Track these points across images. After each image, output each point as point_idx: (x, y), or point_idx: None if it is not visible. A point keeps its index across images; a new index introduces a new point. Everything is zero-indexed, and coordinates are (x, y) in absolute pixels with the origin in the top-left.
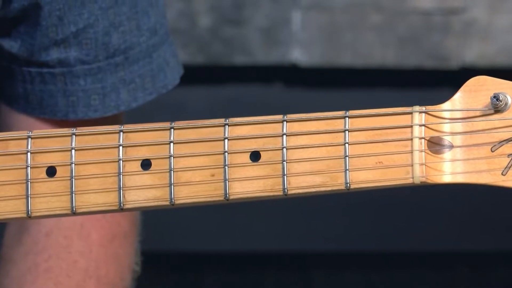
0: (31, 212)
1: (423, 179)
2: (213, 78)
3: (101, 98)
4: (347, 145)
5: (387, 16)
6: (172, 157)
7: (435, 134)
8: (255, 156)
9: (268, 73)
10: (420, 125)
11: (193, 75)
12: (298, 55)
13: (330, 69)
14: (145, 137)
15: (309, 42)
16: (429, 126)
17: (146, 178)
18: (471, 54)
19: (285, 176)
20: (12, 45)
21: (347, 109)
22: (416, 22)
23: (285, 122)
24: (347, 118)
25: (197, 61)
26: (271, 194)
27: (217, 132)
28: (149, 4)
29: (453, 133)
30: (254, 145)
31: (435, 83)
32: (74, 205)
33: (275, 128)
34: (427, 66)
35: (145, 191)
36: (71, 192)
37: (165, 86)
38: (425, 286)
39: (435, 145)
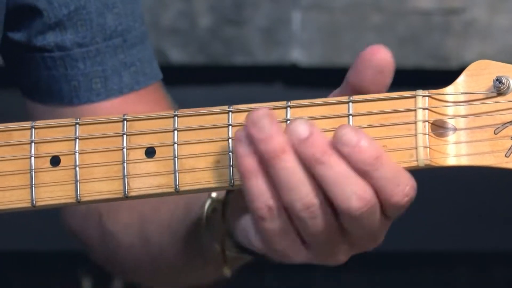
0: (35, 202)
1: (428, 162)
2: (213, 78)
3: (103, 82)
4: None
5: (387, 16)
6: (176, 145)
7: (439, 117)
8: None
9: (268, 73)
10: (424, 109)
11: (193, 75)
12: (298, 55)
13: (330, 69)
14: (149, 125)
15: (309, 42)
16: (433, 109)
17: (150, 165)
18: (471, 54)
19: None
20: (15, 34)
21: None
22: (416, 22)
23: (288, 108)
24: (350, 103)
25: (197, 61)
26: None
27: (221, 119)
28: None
29: (456, 116)
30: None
31: (435, 83)
32: (78, 193)
33: (279, 114)
34: (427, 66)
35: (149, 179)
36: (76, 181)
37: (158, 74)
38: (425, 286)
39: (439, 128)
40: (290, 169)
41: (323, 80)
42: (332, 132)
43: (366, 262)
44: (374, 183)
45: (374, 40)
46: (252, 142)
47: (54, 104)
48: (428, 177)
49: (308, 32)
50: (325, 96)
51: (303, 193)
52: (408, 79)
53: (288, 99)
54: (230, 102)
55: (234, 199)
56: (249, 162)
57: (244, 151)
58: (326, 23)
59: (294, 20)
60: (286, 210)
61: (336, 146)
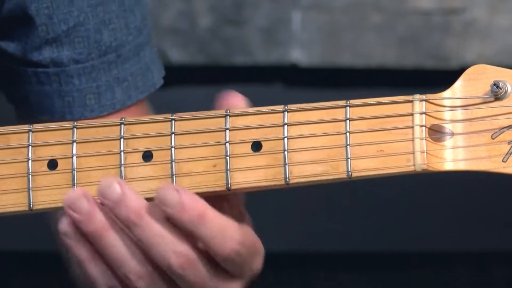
0: (33, 205)
1: (425, 167)
2: (213, 78)
3: (97, 98)
4: (348, 134)
5: (387, 16)
6: (173, 148)
7: (436, 122)
8: (256, 146)
9: (268, 73)
10: (421, 113)
11: (193, 75)
12: (298, 55)
13: (330, 69)
14: (146, 129)
15: (309, 42)
16: (430, 114)
17: (148, 169)
18: (471, 54)
19: (287, 166)
20: (8, 45)
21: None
22: (416, 22)
23: (286, 112)
24: (348, 107)
25: (197, 61)
26: (273, 183)
27: (218, 123)
28: (135, 3)
29: (453, 121)
30: (255, 135)
31: (435, 83)
32: None
33: (276, 118)
34: (427, 66)
35: (147, 183)
36: (73, 185)
37: (153, 85)
38: (425, 286)
39: (436, 132)
40: (116, 245)
41: (323, 80)
42: (328, 137)
43: (366, 262)
44: (198, 239)
45: (374, 40)
46: (76, 229)
47: (43, 118)
48: (428, 177)
49: (308, 32)
50: (325, 96)
51: (132, 264)
52: (408, 79)
53: (288, 99)
54: None
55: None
56: (82, 252)
57: (71, 242)
58: (326, 23)
59: (294, 20)
60: (126, 284)
61: (160, 207)
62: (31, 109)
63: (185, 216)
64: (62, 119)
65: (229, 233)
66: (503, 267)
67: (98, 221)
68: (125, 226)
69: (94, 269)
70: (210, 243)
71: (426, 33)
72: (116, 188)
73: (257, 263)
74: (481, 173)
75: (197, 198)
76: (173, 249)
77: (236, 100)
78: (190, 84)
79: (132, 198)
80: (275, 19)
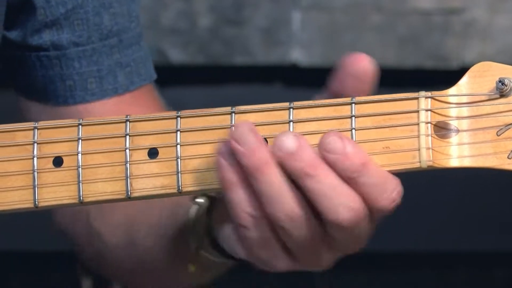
0: (38, 202)
1: (430, 163)
2: (213, 78)
3: (98, 81)
4: (353, 130)
5: (387, 16)
6: (179, 145)
7: (442, 118)
8: None
9: (268, 73)
10: (427, 110)
11: (193, 75)
12: (298, 55)
13: (330, 69)
14: (152, 126)
15: (309, 42)
16: (435, 111)
17: (153, 166)
18: (471, 54)
19: None
20: (10, 32)
21: None
22: (416, 22)
23: (291, 109)
24: (353, 104)
25: (197, 61)
26: None
27: (224, 120)
28: None
29: (459, 118)
30: (261, 132)
31: (435, 83)
32: (81, 194)
33: (282, 115)
34: (427, 66)
35: (152, 180)
36: (78, 182)
37: (152, 75)
38: (425, 286)
39: (441, 129)
40: (274, 183)
41: (323, 80)
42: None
43: (366, 262)
44: (360, 189)
45: (374, 40)
46: (234, 155)
47: (50, 103)
48: (428, 177)
49: (308, 32)
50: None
51: (286, 205)
52: (408, 79)
53: (288, 99)
54: (230, 102)
55: (219, 205)
56: (231, 175)
57: (225, 163)
58: (326, 23)
59: (294, 20)
60: (269, 220)
61: (322, 153)
62: (38, 96)
63: (350, 162)
64: (65, 104)
65: (389, 184)
66: (503, 267)
67: (260, 157)
68: (296, 176)
69: (239, 194)
70: (371, 193)
71: (426, 33)
72: (291, 139)
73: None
74: (485, 170)
75: (360, 147)
76: (345, 202)
77: (364, 63)
78: (190, 84)
79: (307, 148)
80: (275, 19)
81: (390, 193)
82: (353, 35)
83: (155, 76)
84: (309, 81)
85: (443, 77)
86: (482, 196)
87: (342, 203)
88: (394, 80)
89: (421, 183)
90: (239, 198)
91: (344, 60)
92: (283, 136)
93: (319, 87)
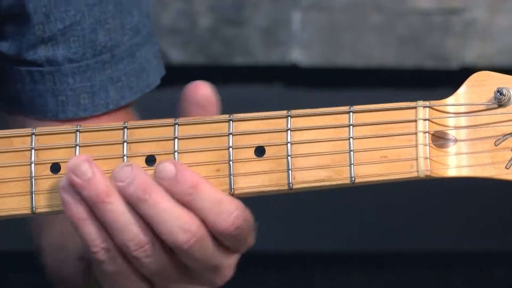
0: (35, 209)
1: (428, 173)
2: (213, 78)
3: (90, 97)
4: (351, 139)
5: (387, 16)
6: (176, 153)
7: (440, 128)
8: (259, 151)
9: (268, 73)
10: (425, 120)
11: (193, 75)
12: (298, 55)
13: (330, 69)
14: (150, 133)
15: (309, 42)
16: (434, 120)
17: (150, 173)
18: (471, 54)
19: (290, 171)
20: (2, 44)
21: None
22: (416, 22)
23: (289, 118)
24: (351, 113)
25: (197, 61)
26: (276, 188)
27: (222, 128)
28: (133, 4)
29: (457, 127)
30: (258, 141)
31: (435, 83)
32: None
33: (280, 124)
34: (427, 66)
35: None
36: None
37: (148, 85)
38: (425, 286)
39: (439, 139)
40: (117, 211)
41: (323, 80)
42: (331, 142)
43: (366, 262)
44: (197, 213)
45: (374, 40)
46: (76, 189)
47: (35, 116)
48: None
49: (308, 32)
50: (325, 96)
51: (133, 233)
52: (408, 79)
53: (288, 99)
54: (231, 103)
55: None
56: (77, 210)
57: (69, 199)
58: (326, 23)
59: (294, 20)
60: (121, 251)
61: (156, 180)
62: (22, 108)
63: (179, 187)
64: (55, 118)
65: (225, 206)
66: (503, 267)
67: (101, 186)
68: (132, 203)
69: (90, 229)
70: (207, 216)
71: (426, 33)
72: (126, 168)
73: (252, 236)
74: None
75: (192, 171)
76: (181, 226)
77: (204, 91)
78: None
79: (139, 175)
80: (275, 19)
81: (226, 216)
82: (353, 35)
83: (153, 84)
84: (309, 81)
85: (443, 77)
86: (482, 197)
87: (178, 226)
88: (394, 80)
89: (421, 183)
90: (89, 232)
91: (185, 89)
92: (119, 166)
93: (319, 87)
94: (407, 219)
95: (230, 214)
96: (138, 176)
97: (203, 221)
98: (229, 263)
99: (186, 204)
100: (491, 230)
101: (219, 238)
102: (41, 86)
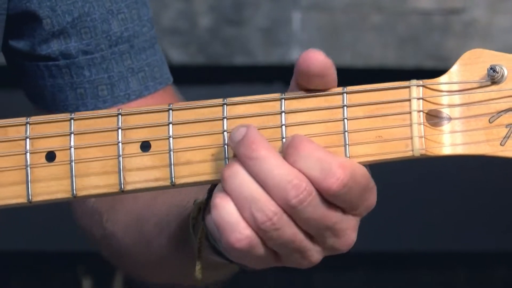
0: (31, 197)
1: (423, 152)
2: (213, 78)
3: (109, 88)
4: (346, 120)
5: (387, 16)
6: (171, 138)
7: (434, 107)
8: None
9: (268, 73)
10: (418, 99)
11: (193, 75)
12: (298, 55)
13: None
14: (144, 120)
15: (309, 42)
16: (427, 99)
17: (146, 159)
18: None
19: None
20: (18, 42)
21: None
22: (416, 22)
23: (283, 100)
24: (345, 94)
25: (197, 61)
26: None
27: (216, 112)
28: None
29: (451, 106)
30: (253, 124)
31: None
32: (74, 188)
33: (274, 106)
34: (427, 66)
35: (145, 172)
36: (71, 176)
37: (169, 78)
38: (425, 286)
39: (433, 117)
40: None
41: None
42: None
43: (366, 262)
44: (302, 171)
45: (374, 40)
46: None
47: (59, 112)
48: (428, 177)
49: (308, 32)
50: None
51: (260, 203)
52: (408, 79)
53: None
54: None
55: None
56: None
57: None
58: (326, 23)
59: (294, 20)
60: (250, 225)
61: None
62: (47, 104)
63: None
64: (76, 111)
65: (327, 164)
66: (503, 267)
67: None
68: (243, 162)
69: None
70: (310, 176)
71: (426, 33)
72: (240, 128)
73: (371, 198)
74: (484, 168)
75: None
76: (290, 180)
77: (320, 59)
78: (190, 84)
79: (250, 132)
80: (275, 19)
81: (330, 174)
82: (353, 35)
83: (171, 79)
84: None
85: None
86: (482, 196)
87: (287, 181)
88: (394, 80)
89: (422, 183)
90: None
91: (297, 65)
92: (235, 128)
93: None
94: (407, 219)
95: (334, 173)
96: (248, 134)
97: (310, 179)
98: (348, 226)
99: (291, 164)
100: (491, 229)
101: (328, 198)
102: (60, 81)
